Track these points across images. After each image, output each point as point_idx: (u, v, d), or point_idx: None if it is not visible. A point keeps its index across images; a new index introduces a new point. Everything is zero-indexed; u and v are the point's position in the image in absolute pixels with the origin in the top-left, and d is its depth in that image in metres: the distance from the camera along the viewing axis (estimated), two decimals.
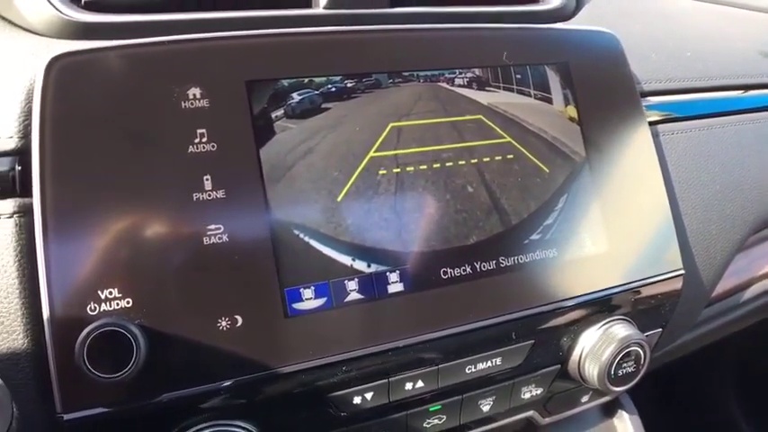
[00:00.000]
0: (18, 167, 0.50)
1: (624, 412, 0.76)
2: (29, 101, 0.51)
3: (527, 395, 0.63)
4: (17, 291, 0.48)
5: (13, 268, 0.48)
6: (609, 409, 0.78)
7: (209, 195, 0.50)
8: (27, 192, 0.50)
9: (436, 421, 0.59)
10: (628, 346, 0.61)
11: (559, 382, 0.65)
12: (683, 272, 0.66)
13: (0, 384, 0.49)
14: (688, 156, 0.74)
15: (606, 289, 0.62)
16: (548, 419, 0.69)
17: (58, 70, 0.49)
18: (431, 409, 0.58)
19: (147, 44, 0.51)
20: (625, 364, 0.61)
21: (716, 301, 0.86)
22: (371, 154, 0.54)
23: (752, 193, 0.80)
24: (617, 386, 0.62)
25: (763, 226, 0.87)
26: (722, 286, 0.85)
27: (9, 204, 0.49)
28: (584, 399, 0.69)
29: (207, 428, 0.49)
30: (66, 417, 0.46)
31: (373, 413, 0.56)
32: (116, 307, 0.47)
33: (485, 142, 0.58)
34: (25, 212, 0.49)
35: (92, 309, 0.46)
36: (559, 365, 0.63)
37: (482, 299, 0.56)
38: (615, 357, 0.60)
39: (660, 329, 0.68)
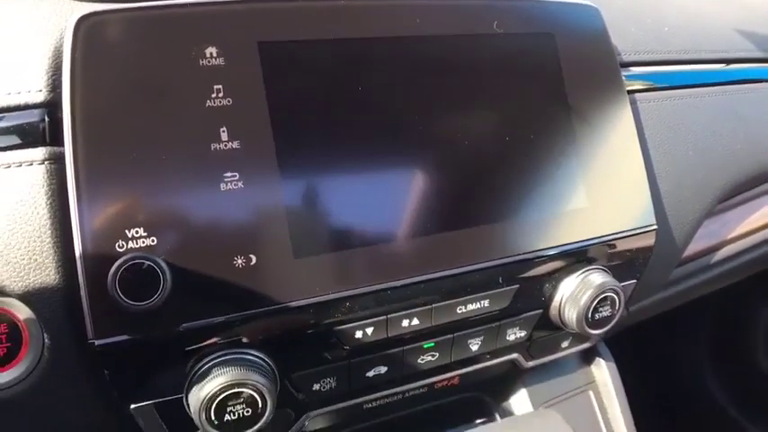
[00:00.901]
0: (47, 119, 0.54)
1: (601, 359, 0.83)
2: (56, 58, 0.55)
3: (512, 337, 0.69)
4: (49, 231, 0.53)
5: (45, 210, 0.53)
6: (587, 357, 0.84)
7: (225, 146, 0.55)
8: (55, 141, 0.54)
9: (429, 358, 0.65)
10: (604, 292, 0.67)
11: (541, 326, 0.70)
12: (655, 227, 0.72)
13: (32, 319, 0.54)
14: (663, 123, 0.80)
15: (585, 240, 0.68)
16: (531, 363, 0.74)
17: (86, 29, 0.53)
18: (425, 346, 0.64)
19: (167, 6, 0.55)
20: (601, 309, 0.67)
21: (687, 262, 0.92)
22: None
23: (721, 160, 0.86)
24: (594, 329, 0.68)
25: (732, 193, 0.93)
26: (693, 248, 0.91)
27: (40, 152, 0.54)
28: (565, 344, 0.75)
29: (224, 356, 0.54)
30: (97, 342, 0.50)
31: (373, 347, 0.61)
32: (142, 245, 0.51)
33: (477, 101, 0.64)
34: (55, 160, 0.54)
35: (120, 246, 0.51)
36: (542, 310, 0.69)
37: (472, 246, 0.62)
38: (592, 302, 0.66)
39: (635, 281, 0.74)
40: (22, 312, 0.54)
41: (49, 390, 0.55)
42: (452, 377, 0.70)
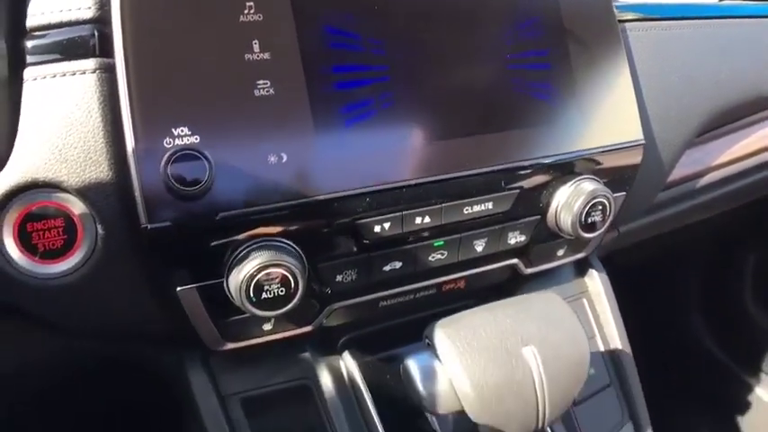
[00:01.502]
0: (97, 33, 0.61)
1: (594, 271, 0.90)
2: None
3: (512, 241, 0.76)
4: (102, 132, 0.59)
5: (98, 114, 0.59)
6: (581, 269, 0.92)
7: (258, 56, 0.61)
8: (105, 53, 0.60)
9: (439, 256, 0.72)
10: (595, 198, 0.74)
11: (539, 232, 0.77)
12: (643, 142, 0.79)
13: (86, 213, 0.61)
14: (651, 51, 0.87)
15: (578, 151, 0.75)
16: (530, 270, 0.82)
17: None
18: (435, 245, 0.71)
19: None
20: (593, 213, 0.74)
21: (672, 186, 0.99)
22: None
23: (707, 89, 0.93)
24: (587, 232, 0.75)
25: (717, 122, 1.00)
26: (678, 173, 0.98)
27: (91, 63, 0.60)
28: (560, 252, 0.83)
29: (260, 242, 0.61)
30: (150, 227, 0.57)
31: (390, 242, 0.68)
32: (187, 141, 0.58)
33: (483, 19, 0.70)
34: (105, 69, 0.60)
35: (168, 142, 0.58)
36: (539, 216, 0.76)
37: (478, 153, 0.69)
38: (585, 207, 0.73)
39: (624, 193, 0.81)
40: (78, 207, 0.61)
41: (102, 278, 0.62)
42: (459, 279, 0.78)
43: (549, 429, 0.78)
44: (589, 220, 0.75)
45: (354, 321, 0.77)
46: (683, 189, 1.01)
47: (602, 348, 0.86)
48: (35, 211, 0.59)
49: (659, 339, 2.16)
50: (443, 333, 0.58)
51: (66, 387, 0.84)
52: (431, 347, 0.58)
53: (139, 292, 0.63)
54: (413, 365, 0.59)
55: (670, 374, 2.10)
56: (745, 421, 1.96)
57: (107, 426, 1.11)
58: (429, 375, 0.58)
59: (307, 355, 0.75)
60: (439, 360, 0.57)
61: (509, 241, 0.76)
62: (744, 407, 1.97)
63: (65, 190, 0.60)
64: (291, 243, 0.62)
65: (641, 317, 2.13)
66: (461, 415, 0.58)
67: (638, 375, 0.85)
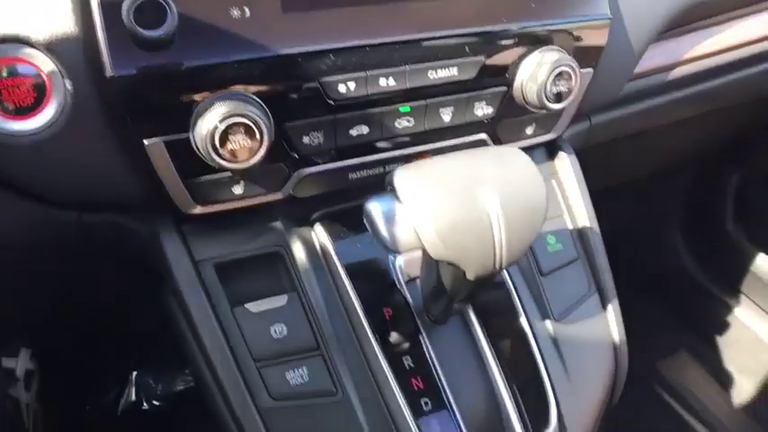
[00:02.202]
0: None
1: (563, 153, 0.92)
2: None
3: (480, 112, 0.77)
4: None
5: None
6: (551, 153, 0.94)
7: None
8: None
9: (406, 123, 0.74)
10: (559, 66, 0.74)
11: (506, 106, 0.79)
12: (609, 17, 0.80)
13: (55, 70, 0.62)
14: None
15: (544, 21, 0.75)
16: None
17: None
18: (401, 110, 0.72)
19: None
20: (559, 83, 0.76)
21: (642, 77, 1.00)
22: None
23: None
24: (553, 103, 0.76)
25: (689, 16, 1.01)
26: (647, 65, 0.99)
27: None
28: (529, 131, 0.84)
29: (225, 95, 0.62)
30: (115, 74, 0.58)
31: (355, 105, 0.69)
32: None
33: None
34: None
35: None
36: (506, 87, 0.77)
37: (444, 15, 0.69)
38: (549, 75, 0.74)
39: (590, 70, 0.82)
40: (46, 64, 0.62)
41: (73, 134, 0.63)
42: (427, 152, 0.79)
43: (506, 275, 0.81)
44: (555, 90, 0.76)
45: (326, 195, 0.78)
46: (654, 81, 1.01)
47: (569, 226, 0.88)
48: (3, 67, 0.60)
49: (641, 259, 2.19)
50: (403, 174, 0.59)
51: (49, 262, 0.87)
52: (392, 191, 0.60)
53: (109, 147, 0.65)
54: (374, 207, 0.61)
55: (650, 293, 2.14)
56: (723, 341, 2.01)
57: (93, 307, 1.15)
58: (389, 215, 0.60)
59: (279, 224, 0.77)
60: (399, 201, 0.59)
61: (476, 112, 0.77)
62: (722, 327, 2.02)
63: (32, 45, 0.61)
64: (257, 99, 0.63)
65: (623, 236, 2.17)
66: (423, 256, 0.60)
67: (605, 252, 0.88)
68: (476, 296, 0.71)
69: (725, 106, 1.29)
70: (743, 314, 1.98)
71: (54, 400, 1.70)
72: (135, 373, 1.80)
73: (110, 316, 1.45)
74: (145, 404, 1.79)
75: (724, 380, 1.98)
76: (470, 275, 0.60)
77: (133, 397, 1.81)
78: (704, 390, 2.00)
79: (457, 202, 0.58)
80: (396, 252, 0.59)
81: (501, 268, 0.60)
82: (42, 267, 0.90)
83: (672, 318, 2.13)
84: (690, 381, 2.02)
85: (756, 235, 1.92)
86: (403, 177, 0.59)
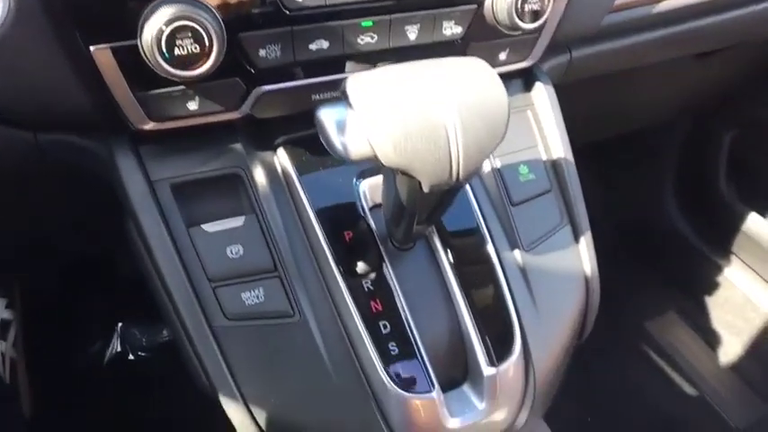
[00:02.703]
0: None
1: (540, 83, 0.89)
2: None
3: (448, 32, 0.74)
4: None
5: None
6: (527, 84, 0.90)
7: None
8: None
9: (369, 39, 0.71)
10: None
11: (477, 26, 0.75)
12: None
13: None
14: None
15: None
16: None
17: None
18: (363, 24, 0.69)
19: None
20: (531, 1, 0.72)
21: (624, 9, 0.96)
22: None
23: None
24: (525, 23, 0.73)
25: None
26: None
27: None
28: (503, 56, 0.81)
29: (174, 1, 0.59)
30: None
31: (314, 17, 0.66)
32: None
33: None
34: None
35: None
36: (476, 6, 0.74)
37: None
38: None
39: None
40: None
41: (18, 39, 0.60)
42: None
43: (474, 203, 0.78)
44: (527, 8, 0.73)
45: (291, 119, 0.76)
46: (636, 15, 0.97)
47: (544, 156, 0.86)
48: None
49: (631, 217, 2.18)
50: (356, 80, 0.57)
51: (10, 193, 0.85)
52: (345, 97, 0.57)
53: (56, 52, 0.62)
54: (325, 114, 0.59)
55: (639, 251, 2.13)
56: (712, 300, 2.00)
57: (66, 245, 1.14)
58: (341, 123, 0.58)
59: (239, 147, 0.75)
60: (351, 107, 0.57)
61: (444, 31, 0.74)
62: (711, 286, 2.00)
63: None
64: (206, 3, 0.61)
65: (613, 194, 2.15)
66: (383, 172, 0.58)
67: (579, 184, 0.85)
68: (436, 216, 0.69)
69: (712, 50, 1.26)
70: (732, 274, 1.96)
71: (39, 351, 1.71)
72: (120, 325, 1.80)
73: (87, 258, 1.44)
74: (130, 355, 1.79)
75: (711, 339, 1.97)
76: (426, 186, 0.57)
77: (119, 348, 1.82)
78: (691, 349, 2.00)
79: (411, 108, 0.55)
80: (347, 159, 0.57)
81: (459, 179, 0.57)
82: (3, 198, 0.88)
83: (660, 277, 2.12)
84: (677, 340, 2.01)
85: (748, 195, 1.89)
86: (356, 83, 0.57)
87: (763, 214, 1.81)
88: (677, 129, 1.98)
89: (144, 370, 1.76)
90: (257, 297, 0.69)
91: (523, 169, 0.84)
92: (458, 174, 0.57)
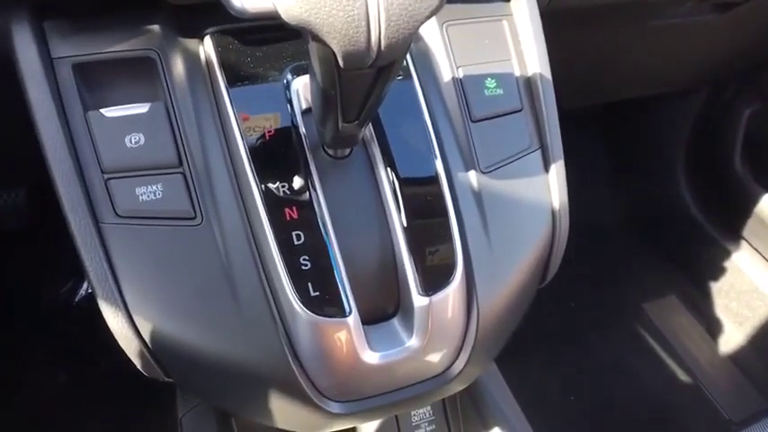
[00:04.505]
0: None
1: None
2: None
3: None
4: None
5: None
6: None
7: None
8: None
9: None
10: None
11: None
12: None
13: None
14: None
15: None
16: None
17: None
18: None
19: None
20: None
21: None
22: None
23: None
24: None
25: None
26: None
27: None
28: None
29: None
30: None
31: None
32: None
33: None
34: None
35: None
36: None
37: None
38: None
39: None
40: None
41: None
42: None
43: (427, 116, 0.68)
44: None
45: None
46: None
47: (516, 72, 0.74)
48: None
49: (640, 194, 2.07)
50: None
51: None
52: None
53: None
54: None
55: (644, 230, 2.03)
56: (716, 286, 1.89)
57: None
58: None
59: (157, 28, 0.65)
60: None
61: None
62: (717, 271, 1.89)
63: None
64: None
65: (623, 167, 2.03)
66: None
67: (555, 107, 0.74)
68: (368, 112, 0.58)
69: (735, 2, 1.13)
70: (741, 259, 1.86)
71: (7, 291, 1.66)
72: None
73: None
74: None
75: (712, 327, 1.87)
76: (340, 55, 0.46)
77: (89, 289, 1.76)
78: (690, 335, 1.89)
79: None
80: (245, 15, 0.47)
81: (381, 48, 0.46)
82: None
83: (664, 257, 2.01)
84: (676, 325, 1.90)
85: (764, 177, 1.77)
86: None
87: None
88: (691, 100, 1.85)
89: None
90: (154, 193, 0.59)
91: (490, 83, 0.73)
92: (378, 41, 0.46)
